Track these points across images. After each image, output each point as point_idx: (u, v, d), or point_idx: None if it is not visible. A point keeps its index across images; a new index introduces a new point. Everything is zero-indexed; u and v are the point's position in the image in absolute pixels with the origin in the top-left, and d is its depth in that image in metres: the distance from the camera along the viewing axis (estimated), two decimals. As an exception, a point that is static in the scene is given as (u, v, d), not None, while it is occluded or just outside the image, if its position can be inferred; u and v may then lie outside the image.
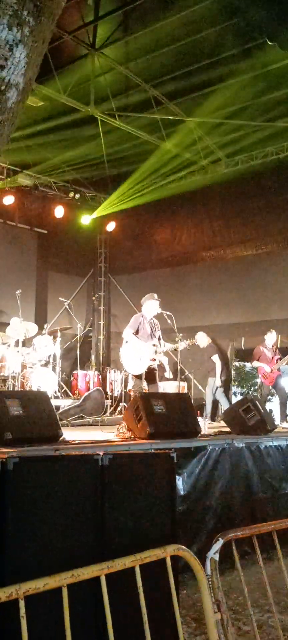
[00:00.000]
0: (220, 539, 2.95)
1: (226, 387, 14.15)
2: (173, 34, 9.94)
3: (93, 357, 16.17)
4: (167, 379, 12.57)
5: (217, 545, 2.91)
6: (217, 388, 12.75)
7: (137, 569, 2.61)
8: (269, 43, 8.91)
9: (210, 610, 2.73)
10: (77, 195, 14.98)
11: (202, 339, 12.66)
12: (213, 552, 2.88)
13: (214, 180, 14.39)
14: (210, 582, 2.79)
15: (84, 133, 12.64)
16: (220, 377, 12.78)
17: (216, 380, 12.77)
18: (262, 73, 10.74)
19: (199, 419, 7.63)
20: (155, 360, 9.14)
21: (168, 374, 12.93)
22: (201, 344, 12.68)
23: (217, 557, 2.87)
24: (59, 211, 14.95)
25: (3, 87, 2.98)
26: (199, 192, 14.74)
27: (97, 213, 15.52)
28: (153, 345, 9.15)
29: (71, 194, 14.80)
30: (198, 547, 5.63)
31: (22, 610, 2.19)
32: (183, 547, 2.81)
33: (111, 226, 16.24)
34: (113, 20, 9.84)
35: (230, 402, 12.99)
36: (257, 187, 13.92)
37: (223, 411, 12.25)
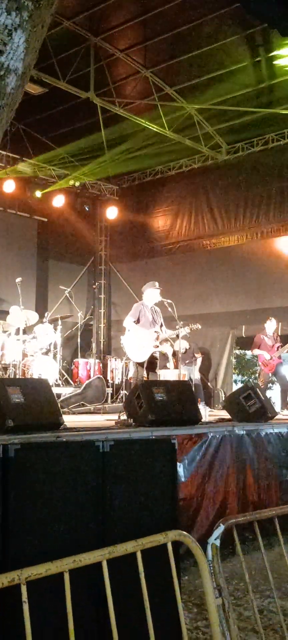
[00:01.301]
0: (221, 524, 2.96)
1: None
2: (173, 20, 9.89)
3: (94, 345, 16.18)
4: (168, 368, 12.61)
5: (218, 531, 2.91)
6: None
7: (139, 555, 2.62)
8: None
9: (211, 595, 2.74)
10: (77, 183, 14.93)
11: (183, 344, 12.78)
12: (215, 538, 2.89)
13: (215, 167, 14.36)
14: (211, 568, 2.80)
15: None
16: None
17: (195, 373, 12.85)
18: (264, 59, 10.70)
19: (200, 406, 7.64)
20: (158, 347, 9.16)
21: (171, 363, 12.99)
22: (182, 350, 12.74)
23: (218, 542, 2.88)
24: (59, 200, 14.91)
25: (2, 73, 2.96)
26: (199, 179, 14.71)
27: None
28: (155, 332, 9.17)
29: (71, 182, 14.75)
30: (199, 534, 5.65)
31: (24, 596, 2.20)
32: (184, 532, 2.82)
33: (112, 213, 16.20)
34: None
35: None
36: (257, 174, 13.87)
37: (223, 399, 12.28)
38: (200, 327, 9.76)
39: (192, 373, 12.75)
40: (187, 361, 12.74)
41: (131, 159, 14.13)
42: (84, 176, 15.29)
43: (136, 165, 14.75)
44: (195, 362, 12.96)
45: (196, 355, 13.08)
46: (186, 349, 12.66)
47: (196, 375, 12.89)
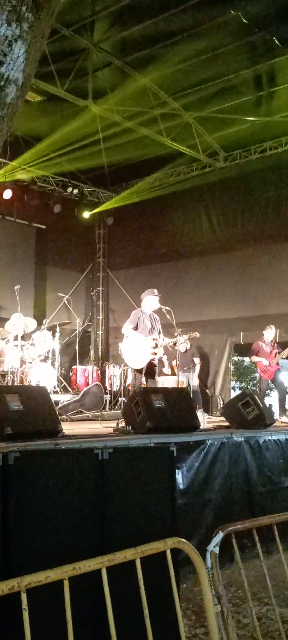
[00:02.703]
0: (220, 532, 2.97)
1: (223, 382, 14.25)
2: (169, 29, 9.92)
3: (92, 352, 16.17)
4: (165, 374, 12.63)
5: (217, 539, 2.93)
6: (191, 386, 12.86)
7: (138, 562, 2.63)
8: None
9: (210, 602, 2.75)
10: (76, 191, 14.96)
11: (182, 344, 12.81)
12: (214, 545, 2.90)
13: (213, 175, 14.40)
14: (210, 575, 2.81)
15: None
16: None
17: (194, 379, 12.89)
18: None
19: (198, 413, 7.65)
20: (156, 354, 9.17)
21: (167, 369, 13.01)
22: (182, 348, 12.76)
23: (217, 550, 2.89)
24: (57, 207, 14.93)
25: (2, 83, 2.98)
26: (198, 186, 14.74)
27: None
28: (154, 339, 9.18)
29: (69, 190, 14.78)
30: (198, 541, 5.65)
31: (24, 603, 2.21)
32: (183, 539, 2.84)
33: (110, 221, 16.24)
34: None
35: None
36: (255, 182, 13.92)
37: (222, 405, 12.28)
38: (198, 335, 9.79)
39: (190, 379, 12.77)
40: (186, 368, 12.77)
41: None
42: (82, 184, 15.36)
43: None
44: (194, 368, 12.98)
45: (195, 359, 13.09)
46: (186, 349, 12.68)
47: (195, 382, 12.92)
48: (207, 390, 14.10)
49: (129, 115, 12.16)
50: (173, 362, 12.68)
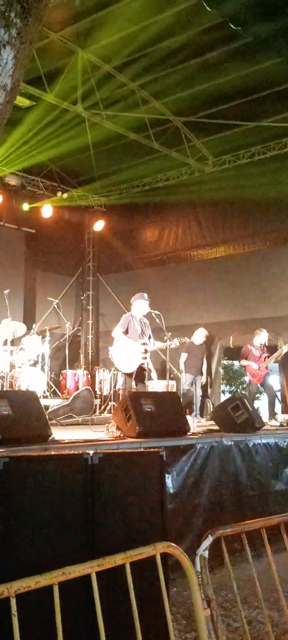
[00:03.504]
0: (209, 535, 2.98)
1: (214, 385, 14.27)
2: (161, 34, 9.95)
3: (82, 356, 16.15)
4: (152, 379, 12.62)
5: (206, 542, 2.93)
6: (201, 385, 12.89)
7: (128, 567, 2.63)
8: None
9: (200, 606, 2.76)
10: (65, 195, 14.96)
11: (200, 336, 12.77)
12: (203, 549, 2.91)
13: (202, 180, 14.44)
14: (199, 579, 2.81)
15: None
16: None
17: (203, 379, 12.90)
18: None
19: (188, 417, 7.66)
20: (146, 358, 9.18)
21: (154, 373, 12.99)
22: (197, 341, 12.75)
23: (206, 554, 2.90)
24: (47, 211, 14.92)
25: (-9, 89, 2.99)
26: (187, 191, 14.78)
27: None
28: (144, 343, 9.19)
29: (59, 194, 14.77)
30: (188, 545, 5.66)
31: (14, 609, 2.20)
32: (173, 544, 2.84)
33: (99, 225, 16.24)
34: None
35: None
36: (244, 187, 13.97)
37: (211, 409, 12.31)
38: (188, 340, 9.81)
39: (198, 382, 12.76)
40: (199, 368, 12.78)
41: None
42: (72, 188, 15.35)
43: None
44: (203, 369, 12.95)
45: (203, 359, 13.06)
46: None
47: (203, 381, 12.90)
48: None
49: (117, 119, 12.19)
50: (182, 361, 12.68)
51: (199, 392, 12.87)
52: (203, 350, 13.02)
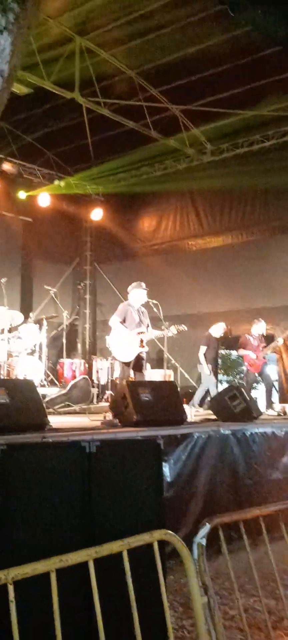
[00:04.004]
0: (206, 523, 2.98)
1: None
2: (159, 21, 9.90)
3: (79, 345, 16.15)
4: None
5: (204, 530, 2.93)
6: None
7: (125, 554, 2.63)
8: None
9: (197, 594, 2.76)
10: (62, 183, 14.90)
11: (219, 330, 12.68)
12: (200, 537, 2.91)
13: (200, 169, 14.41)
14: (197, 567, 2.82)
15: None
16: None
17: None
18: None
19: (185, 406, 7.67)
20: (144, 347, 9.17)
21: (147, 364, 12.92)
22: (216, 334, 12.65)
23: (203, 541, 2.90)
24: (44, 200, 14.87)
25: (-12, 74, 2.96)
26: (185, 179, 14.74)
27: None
28: (141, 332, 9.17)
29: (56, 182, 14.71)
30: (185, 533, 5.66)
31: (11, 595, 2.21)
32: (170, 532, 2.84)
33: (97, 214, 16.20)
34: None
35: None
36: (242, 176, 13.92)
37: (209, 399, 12.31)
38: (186, 328, 9.80)
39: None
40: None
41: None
42: (69, 177, 15.30)
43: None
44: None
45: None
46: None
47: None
48: (195, 384, 14.12)
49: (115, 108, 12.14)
50: None
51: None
52: (219, 344, 13.06)
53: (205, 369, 12.53)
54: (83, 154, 14.59)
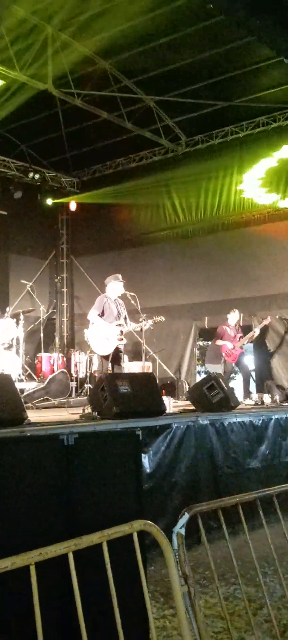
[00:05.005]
0: (185, 513, 2.98)
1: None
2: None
3: (57, 339, 16.08)
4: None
5: (183, 520, 2.93)
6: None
7: (105, 546, 2.63)
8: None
9: (177, 583, 2.76)
10: (37, 176, 14.78)
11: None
12: (180, 527, 2.91)
13: (175, 160, 14.43)
14: (176, 556, 2.82)
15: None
16: None
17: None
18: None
19: (164, 398, 7.68)
20: (122, 340, 9.16)
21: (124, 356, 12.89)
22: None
23: (183, 531, 2.90)
24: (18, 194, 14.73)
25: None
26: (161, 171, 14.73)
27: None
28: (119, 325, 9.16)
29: (30, 175, 14.59)
30: (165, 524, 5.68)
31: (-10, 591, 2.19)
32: (149, 522, 2.84)
33: (72, 207, 16.12)
34: None
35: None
36: (217, 167, 13.95)
37: (187, 390, 12.34)
38: (163, 319, 9.81)
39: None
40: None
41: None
42: (44, 169, 15.21)
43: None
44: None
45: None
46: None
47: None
48: (173, 375, 14.15)
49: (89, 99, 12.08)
50: None
51: None
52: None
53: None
54: (57, 146, 14.51)
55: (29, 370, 12.35)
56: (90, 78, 11.78)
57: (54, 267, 17.05)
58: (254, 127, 13.16)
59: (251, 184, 13.36)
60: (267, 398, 10.33)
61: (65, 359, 13.78)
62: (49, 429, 5.58)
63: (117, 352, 9.19)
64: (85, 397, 10.06)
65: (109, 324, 9.12)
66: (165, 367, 14.00)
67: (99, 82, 11.85)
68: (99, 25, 10.13)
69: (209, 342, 14.40)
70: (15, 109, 11.90)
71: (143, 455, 5.86)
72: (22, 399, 6.66)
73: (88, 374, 12.67)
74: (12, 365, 10.48)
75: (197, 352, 15.00)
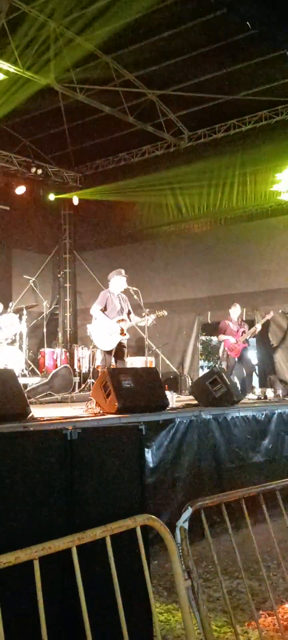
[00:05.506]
0: (189, 507, 2.98)
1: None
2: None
3: (60, 334, 16.09)
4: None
5: (186, 514, 2.94)
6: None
7: (108, 540, 2.63)
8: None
9: (181, 577, 2.77)
10: (40, 171, 14.77)
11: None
12: (183, 521, 2.91)
13: (178, 154, 14.39)
14: (180, 551, 2.82)
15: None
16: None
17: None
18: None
19: (167, 392, 7.69)
20: (125, 335, 9.16)
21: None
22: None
23: (186, 525, 2.91)
24: (20, 189, 14.74)
25: None
26: (163, 166, 14.70)
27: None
28: (122, 320, 9.16)
29: (33, 170, 14.58)
30: (168, 518, 5.69)
31: (-6, 585, 2.20)
32: (153, 516, 2.84)
33: (75, 201, 16.10)
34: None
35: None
36: (220, 161, 13.92)
37: (190, 384, 12.35)
38: (166, 313, 9.80)
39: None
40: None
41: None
42: (46, 164, 15.20)
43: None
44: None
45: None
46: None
47: None
48: (176, 370, 14.16)
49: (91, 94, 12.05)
50: None
51: None
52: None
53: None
54: (60, 141, 14.50)
55: (32, 366, 12.37)
56: (93, 73, 11.74)
57: (56, 262, 17.05)
58: (257, 121, 13.11)
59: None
60: (269, 392, 10.34)
61: (68, 354, 13.81)
62: (53, 424, 5.59)
63: (120, 346, 9.19)
64: (88, 392, 10.09)
65: (112, 319, 9.12)
66: (168, 361, 14.00)
67: (102, 76, 11.82)
68: (101, 20, 10.10)
69: (212, 337, 14.42)
70: (17, 104, 11.88)
71: (146, 449, 5.87)
72: (26, 394, 6.68)
73: (91, 369, 12.68)
74: (15, 360, 10.49)
75: (199, 347, 15.00)
